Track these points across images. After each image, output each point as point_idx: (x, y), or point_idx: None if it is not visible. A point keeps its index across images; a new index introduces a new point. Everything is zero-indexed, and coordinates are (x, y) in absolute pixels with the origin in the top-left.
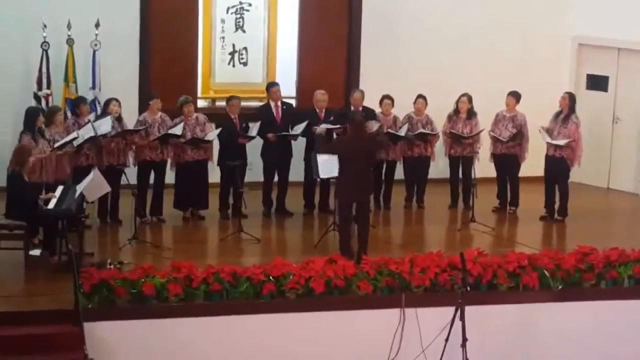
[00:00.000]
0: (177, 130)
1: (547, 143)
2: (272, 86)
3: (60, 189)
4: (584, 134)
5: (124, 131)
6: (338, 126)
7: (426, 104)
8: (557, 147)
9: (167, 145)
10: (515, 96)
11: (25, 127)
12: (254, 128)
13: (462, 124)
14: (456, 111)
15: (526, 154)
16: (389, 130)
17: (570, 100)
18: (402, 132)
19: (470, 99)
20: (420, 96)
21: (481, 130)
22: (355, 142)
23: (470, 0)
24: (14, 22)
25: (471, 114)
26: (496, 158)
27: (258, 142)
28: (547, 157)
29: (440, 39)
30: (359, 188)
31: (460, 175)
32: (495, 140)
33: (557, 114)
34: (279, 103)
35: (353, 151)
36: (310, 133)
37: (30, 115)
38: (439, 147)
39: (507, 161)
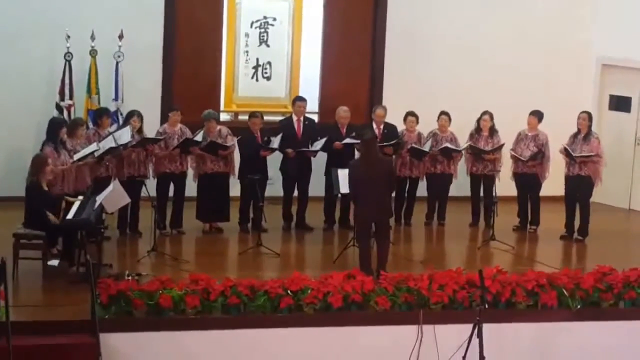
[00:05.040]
0: (198, 137)
1: (569, 163)
2: (298, 100)
3: (80, 199)
4: (606, 153)
5: (143, 140)
6: (359, 141)
7: (450, 120)
8: (581, 165)
9: (187, 156)
10: (538, 116)
11: (48, 138)
12: (276, 141)
13: (483, 141)
14: (478, 129)
15: (547, 173)
16: (414, 145)
17: (590, 120)
18: (426, 148)
19: (491, 117)
20: (443, 113)
21: (502, 145)
22: (367, 163)
23: (495, 20)
24: (38, 32)
25: (493, 132)
26: (517, 177)
27: (278, 156)
28: (568, 177)
29: (463, 57)
30: (377, 209)
31: (482, 194)
32: (516, 160)
33: (575, 135)
34: (302, 118)
35: (366, 172)
36: (331, 148)
37: (54, 126)
38: (462, 164)
39: (528, 180)
